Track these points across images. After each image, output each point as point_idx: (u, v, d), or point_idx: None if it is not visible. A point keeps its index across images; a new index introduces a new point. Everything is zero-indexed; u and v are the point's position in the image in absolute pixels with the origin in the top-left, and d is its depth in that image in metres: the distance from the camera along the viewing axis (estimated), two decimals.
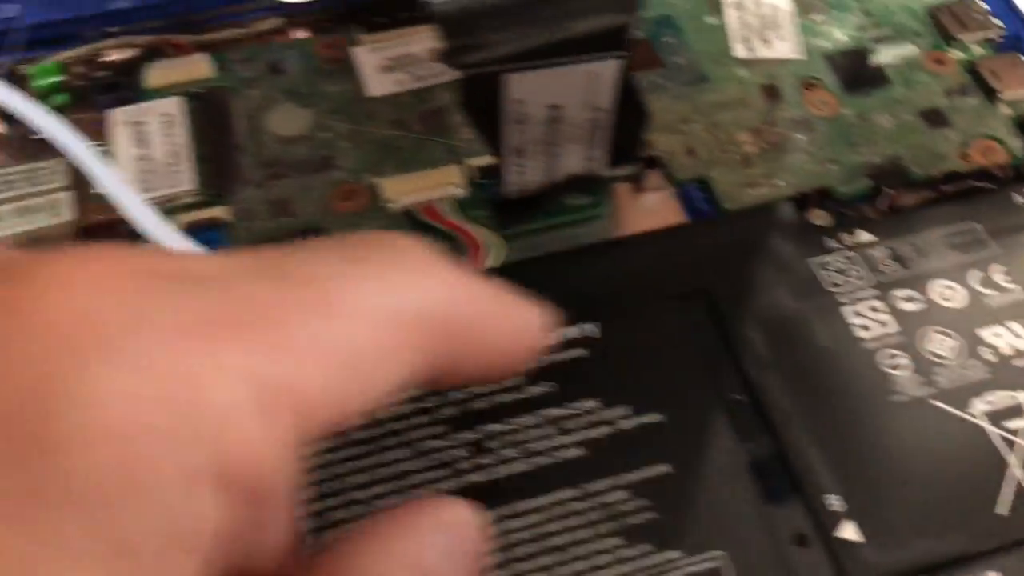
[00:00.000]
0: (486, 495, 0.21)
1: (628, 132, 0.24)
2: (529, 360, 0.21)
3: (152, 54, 0.29)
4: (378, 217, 0.26)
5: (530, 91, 0.22)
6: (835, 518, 0.21)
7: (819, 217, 0.26)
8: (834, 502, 0.22)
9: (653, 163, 0.27)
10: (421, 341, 0.16)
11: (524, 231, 0.26)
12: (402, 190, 0.26)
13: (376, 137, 0.28)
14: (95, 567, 0.12)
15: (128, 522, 0.12)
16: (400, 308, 0.15)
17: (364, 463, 0.22)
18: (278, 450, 0.14)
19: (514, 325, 0.19)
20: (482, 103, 0.22)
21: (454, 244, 0.26)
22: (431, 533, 0.16)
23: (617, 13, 0.20)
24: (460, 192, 0.26)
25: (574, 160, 0.25)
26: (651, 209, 0.27)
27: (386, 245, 0.17)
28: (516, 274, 0.24)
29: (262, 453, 0.14)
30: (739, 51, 0.30)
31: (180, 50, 0.29)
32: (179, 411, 0.13)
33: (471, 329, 0.18)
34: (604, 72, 0.22)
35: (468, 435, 0.22)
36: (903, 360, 0.24)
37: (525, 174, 0.24)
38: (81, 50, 0.29)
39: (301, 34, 0.31)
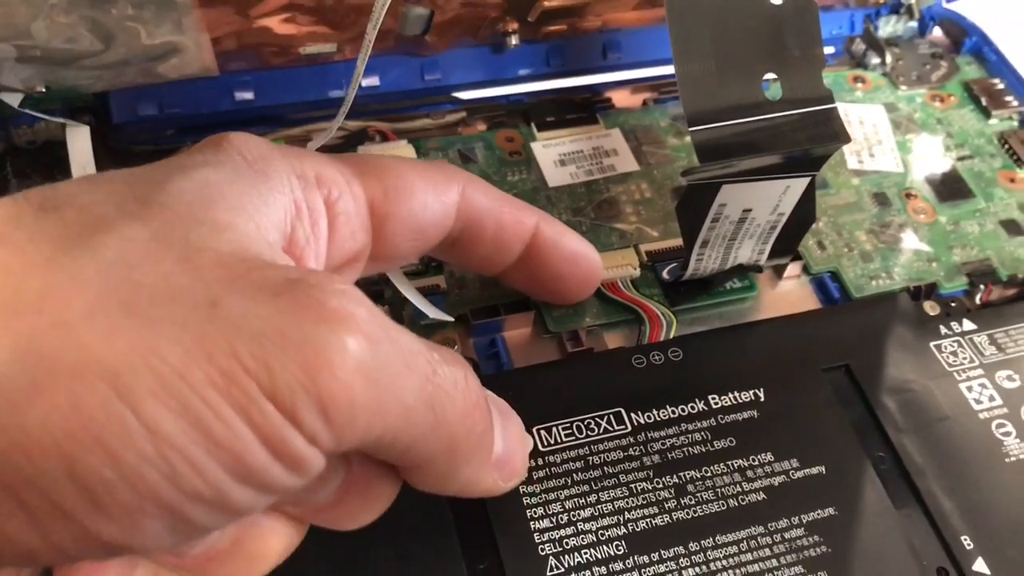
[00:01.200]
0: (691, 530, 0.26)
1: (794, 232, 0.29)
2: (589, 283, 0.29)
3: (358, 136, 0.34)
4: None
5: (735, 197, 0.27)
6: (969, 556, 0.26)
7: (931, 308, 0.31)
8: (967, 542, 0.27)
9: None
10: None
11: (687, 308, 0.31)
12: None
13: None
14: None
15: None
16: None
17: (589, 500, 0.26)
18: None
19: (584, 246, 0.28)
20: (694, 204, 0.27)
21: (636, 317, 0.30)
22: None
23: (834, 143, 0.25)
24: (636, 273, 0.31)
25: (745, 252, 0.30)
26: (788, 294, 0.32)
27: None
28: (693, 345, 0.30)
29: None
30: (852, 162, 0.35)
31: (383, 136, 0.34)
32: None
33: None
34: (798, 186, 0.27)
35: (671, 479, 0.27)
36: (1010, 428, 0.29)
37: (702, 262, 0.29)
38: (294, 131, 0.33)
39: (480, 127, 0.36)
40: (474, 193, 0.25)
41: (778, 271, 0.33)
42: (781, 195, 0.27)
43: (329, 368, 0.16)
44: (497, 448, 0.23)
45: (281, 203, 0.20)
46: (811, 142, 0.25)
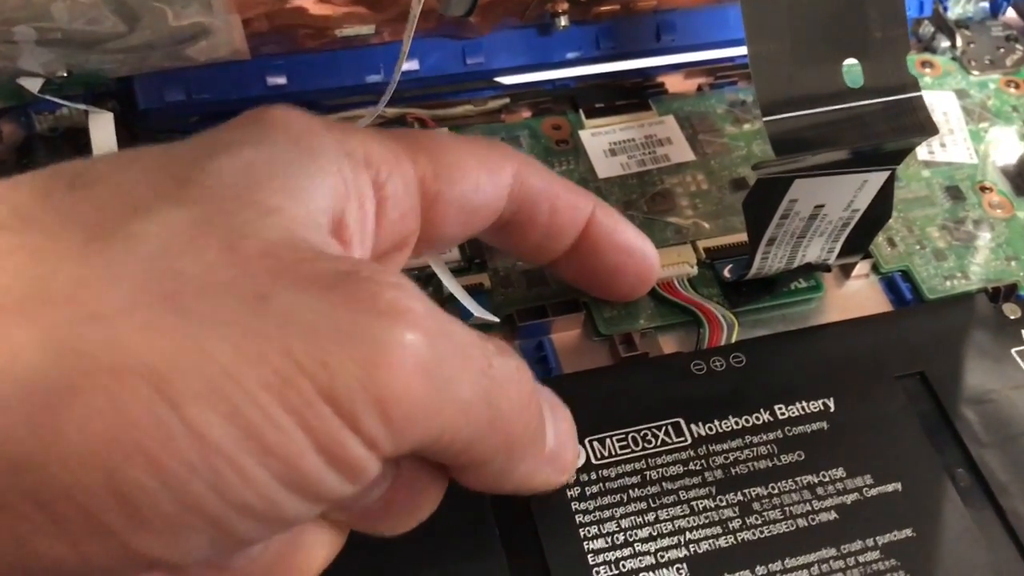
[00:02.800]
0: (758, 552, 0.24)
1: (868, 229, 0.27)
2: (645, 279, 0.27)
3: (396, 124, 0.32)
4: None
5: (807, 192, 0.25)
6: None
7: (1012, 311, 0.29)
8: None
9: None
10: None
11: (749, 310, 0.29)
12: None
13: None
14: None
15: None
16: None
17: (647, 518, 0.24)
18: None
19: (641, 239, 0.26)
20: (762, 200, 0.25)
21: (694, 319, 0.28)
22: None
23: (919, 136, 0.23)
24: (693, 271, 0.29)
25: (814, 251, 0.28)
26: (856, 294, 0.30)
27: None
28: (757, 350, 0.28)
29: None
30: (922, 153, 0.33)
31: (421, 123, 0.32)
32: None
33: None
34: (876, 180, 0.25)
35: (735, 497, 0.25)
36: None
37: (768, 260, 0.27)
38: (330, 117, 0.31)
39: (524, 114, 0.34)
40: (528, 175, 0.24)
41: (845, 270, 0.30)
42: (857, 190, 0.25)
43: (388, 366, 0.15)
44: (549, 441, 0.22)
45: (328, 184, 0.18)
46: (895, 134, 0.23)
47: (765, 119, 0.23)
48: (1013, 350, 0.28)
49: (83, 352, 0.14)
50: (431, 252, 0.25)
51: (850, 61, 0.24)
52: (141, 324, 0.14)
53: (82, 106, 0.29)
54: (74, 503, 0.14)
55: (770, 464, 0.26)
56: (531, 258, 0.27)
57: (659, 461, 0.25)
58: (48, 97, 0.28)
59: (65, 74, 0.27)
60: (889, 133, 0.23)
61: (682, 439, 0.26)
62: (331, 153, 0.19)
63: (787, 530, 0.25)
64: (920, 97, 0.24)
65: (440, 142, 0.22)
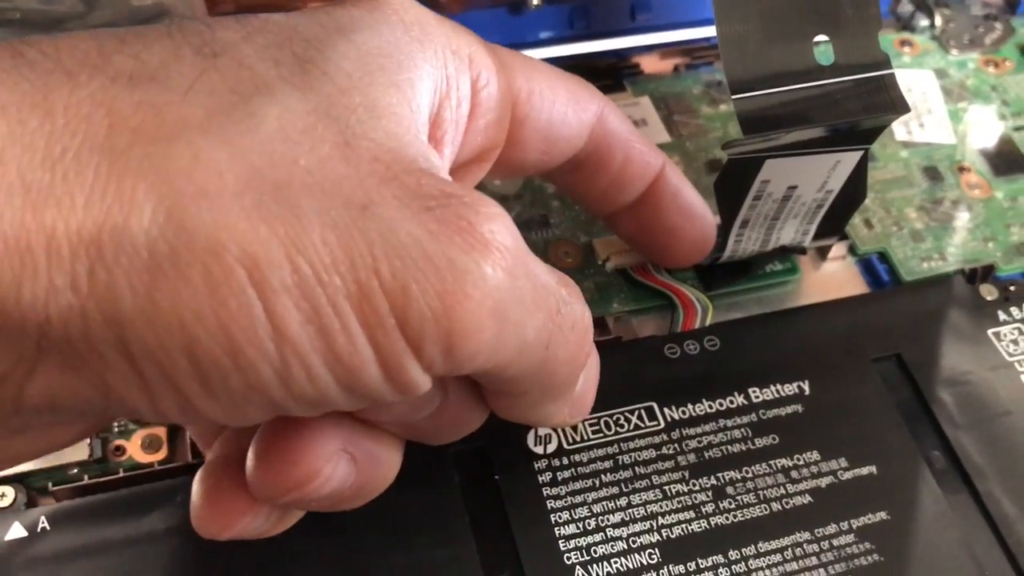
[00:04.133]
0: (731, 536, 0.24)
1: (843, 210, 0.27)
2: (700, 245, 0.26)
3: None
4: (594, 274, 0.29)
5: (779, 173, 0.24)
6: None
7: (988, 292, 0.29)
8: None
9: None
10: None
11: (724, 293, 0.29)
12: (613, 249, 0.29)
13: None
14: None
15: None
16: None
17: (619, 503, 0.24)
18: None
19: (703, 204, 0.26)
20: (734, 181, 0.25)
21: (668, 303, 0.28)
22: None
23: (891, 114, 0.23)
24: None
25: (788, 233, 0.27)
26: (833, 276, 0.30)
27: None
28: (731, 333, 0.27)
29: None
30: (900, 133, 0.33)
31: None
32: None
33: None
34: (849, 160, 0.24)
35: (708, 481, 0.25)
36: None
37: (742, 243, 0.27)
38: None
39: None
40: (611, 117, 0.24)
41: (822, 252, 0.30)
42: (830, 171, 0.25)
43: (466, 303, 0.16)
44: (577, 386, 0.22)
45: (433, 77, 0.19)
46: (866, 112, 0.23)
47: (734, 97, 0.22)
48: (990, 331, 0.28)
49: (190, 227, 0.14)
50: (507, 176, 0.25)
51: (821, 38, 0.23)
52: (248, 209, 0.15)
53: None
54: (156, 363, 0.15)
55: (744, 448, 0.25)
56: (595, 206, 0.26)
57: (632, 445, 0.25)
58: None
59: None
60: (860, 111, 0.23)
61: (655, 423, 0.25)
62: (439, 46, 0.19)
63: (761, 514, 0.24)
64: (892, 75, 0.24)
65: (537, 67, 0.23)
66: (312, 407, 0.17)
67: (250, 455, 0.19)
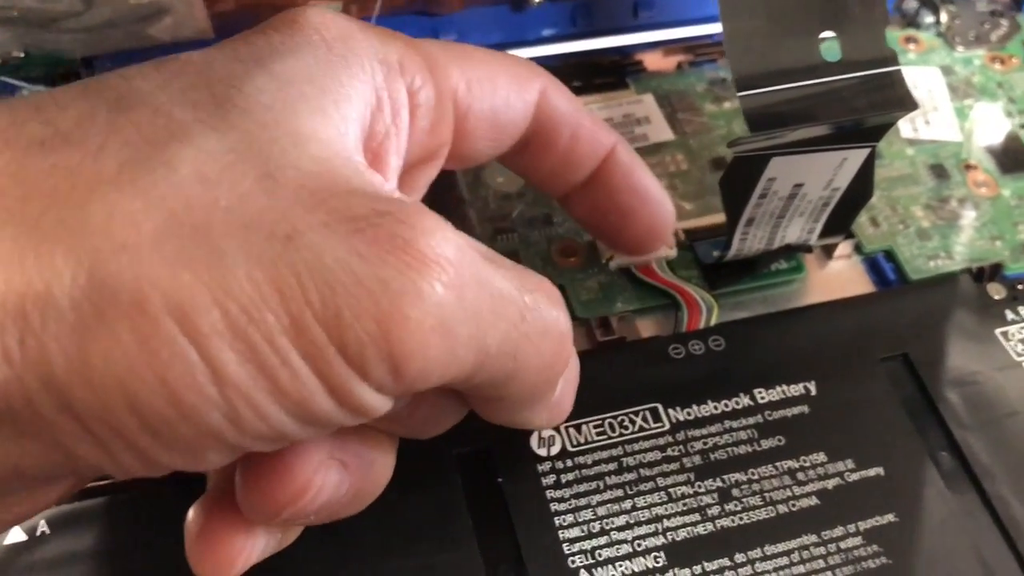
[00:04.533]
0: (737, 539, 0.24)
1: (849, 208, 0.26)
2: (656, 230, 0.26)
3: None
4: (598, 273, 0.28)
5: (785, 171, 0.24)
6: None
7: (996, 291, 0.28)
8: None
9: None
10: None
11: (729, 292, 0.29)
12: None
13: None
14: None
15: None
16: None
17: (623, 506, 0.24)
18: None
19: (658, 187, 0.25)
20: (740, 178, 0.24)
21: (672, 302, 0.28)
22: None
23: (898, 111, 0.23)
24: (672, 253, 0.28)
25: (794, 231, 0.27)
26: (838, 275, 0.30)
27: None
28: (737, 333, 0.27)
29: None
30: (906, 130, 0.32)
31: None
32: None
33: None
34: (856, 158, 0.24)
35: (714, 483, 0.24)
36: None
37: (747, 241, 0.27)
38: None
39: None
40: (555, 95, 0.24)
41: (827, 250, 0.30)
42: (836, 168, 0.24)
43: (404, 323, 0.15)
44: (556, 392, 0.22)
45: (362, 92, 0.18)
46: (873, 109, 0.23)
47: (740, 94, 0.22)
48: (997, 331, 0.28)
49: (112, 284, 0.14)
50: (460, 167, 0.25)
51: (827, 34, 0.23)
52: (169, 257, 0.15)
53: (42, 88, 0.28)
54: (103, 422, 0.15)
55: (750, 449, 0.25)
56: (545, 186, 0.26)
57: (636, 447, 0.25)
58: (5, 79, 0.27)
59: (22, 54, 0.26)
60: (867, 108, 0.22)
61: (660, 424, 0.25)
62: (365, 60, 0.19)
63: (767, 516, 0.24)
64: (899, 71, 0.23)
65: (471, 55, 0.22)
66: (271, 443, 0.16)
67: (238, 480, 0.19)
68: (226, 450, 0.16)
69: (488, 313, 0.17)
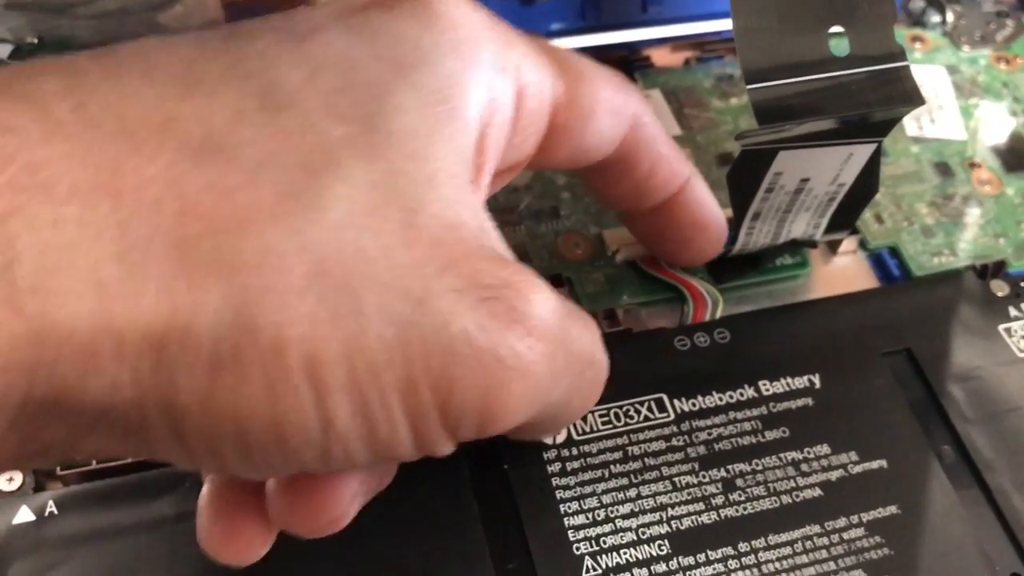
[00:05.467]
0: (741, 528, 0.24)
1: (855, 204, 0.26)
2: (707, 255, 0.26)
3: None
4: (604, 266, 0.29)
5: (792, 165, 0.24)
6: None
7: (999, 288, 0.29)
8: None
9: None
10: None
11: (734, 286, 0.29)
12: (623, 241, 0.29)
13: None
14: None
15: None
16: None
17: (628, 495, 0.24)
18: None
19: (721, 219, 0.25)
20: (747, 173, 0.24)
21: (678, 295, 0.28)
22: None
23: (906, 106, 0.23)
24: None
25: (800, 226, 0.27)
26: (843, 270, 0.30)
27: None
28: (742, 325, 0.27)
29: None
30: (911, 129, 0.33)
31: None
32: None
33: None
34: (862, 153, 0.24)
35: (718, 473, 0.25)
36: None
37: (753, 236, 0.27)
38: None
39: None
40: (644, 124, 0.23)
41: (832, 246, 0.30)
42: (843, 163, 0.25)
43: (507, 397, 0.17)
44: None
45: (480, 107, 0.18)
46: (881, 103, 0.23)
47: (749, 87, 0.22)
48: (1000, 327, 0.28)
49: (254, 327, 0.15)
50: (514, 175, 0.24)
51: (836, 29, 0.23)
52: (313, 307, 0.15)
53: None
54: (203, 442, 0.15)
55: (754, 440, 0.25)
56: (609, 203, 0.26)
57: (641, 437, 0.25)
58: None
59: (35, 40, 0.26)
60: (875, 102, 0.23)
61: (665, 415, 0.25)
62: (486, 68, 0.18)
63: (771, 507, 0.24)
64: (907, 67, 0.23)
65: (581, 71, 0.21)
66: (337, 470, 0.18)
67: (275, 497, 0.19)
68: (296, 471, 0.17)
69: (562, 372, 0.18)
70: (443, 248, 0.16)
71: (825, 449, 0.25)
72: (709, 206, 0.25)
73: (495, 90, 0.18)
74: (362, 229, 0.15)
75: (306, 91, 0.16)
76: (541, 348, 0.17)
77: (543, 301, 0.17)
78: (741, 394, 0.26)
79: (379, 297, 0.15)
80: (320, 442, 0.16)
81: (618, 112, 0.22)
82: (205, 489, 0.19)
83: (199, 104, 0.15)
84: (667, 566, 0.23)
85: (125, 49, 0.16)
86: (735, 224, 0.26)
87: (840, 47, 0.23)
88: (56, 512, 0.23)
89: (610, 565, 0.23)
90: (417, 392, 0.16)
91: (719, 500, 0.24)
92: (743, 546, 0.23)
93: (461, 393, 0.16)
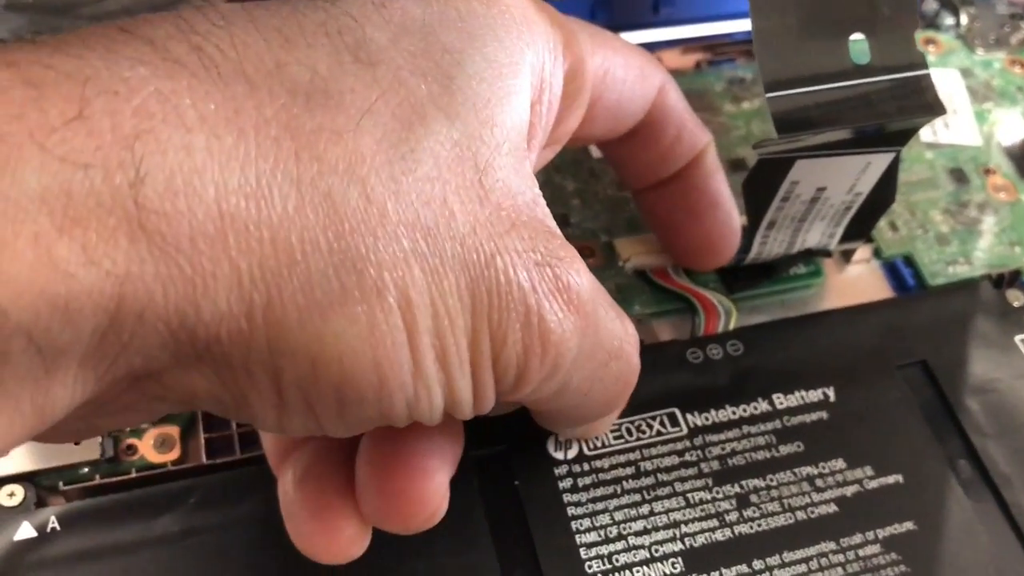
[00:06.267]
0: (755, 545, 0.23)
1: (871, 213, 0.26)
2: (721, 242, 0.26)
3: None
4: (615, 276, 0.28)
5: (809, 174, 0.24)
6: None
7: (1016, 297, 0.28)
8: None
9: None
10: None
11: (746, 295, 0.28)
12: (634, 250, 0.28)
13: (603, 197, 0.30)
14: None
15: None
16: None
17: (641, 511, 0.24)
18: None
19: (730, 200, 0.26)
20: (763, 180, 0.24)
21: (688, 306, 0.27)
22: None
23: (926, 115, 0.22)
24: None
25: (815, 235, 0.27)
26: (857, 279, 0.29)
27: None
28: (755, 337, 0.27)
29: None
30: (925, 134, 0.32)
31: None
32: None
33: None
34: (880, 162, 0.24)
35: (732, 489, 0.24)
36: None
37: (767, 245, 0.26)
38: None
39: None
40: (671, 92, 0.24)
41: (846, 255, 0.30)
42: (860, 172, 0.24)
43: (544, 358, 0.17)
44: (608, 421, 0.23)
45: (534, 84, 0.19)
46: (901, 113, 0.22)
47: (768, 96, 0.22)
48: (1017, 338, 0.28)
49: (359, 268, 0.15)
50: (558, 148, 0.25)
51: (856, 37, 0.23)
52: (407, 252, 0.16)
53: None
54: (302, 391, 0.16)
55: (768, 455, 0.25)
56: (631, 177, 0.26)
57: (654, 452, 0.25)
58: None
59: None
60: (895, 112, 0.22)
61: (678, 429, 0.25)
62: (539, 46, 0.19)
63: (785, 523, 0.24)
64: (928, 76, 0.23)
65: (611, 43, 0.23)
66: (409, 423, 0.18)
67: (366, 487, 0.20)
68: (381, 425, 0.17)
69: (589, 356, 0.19)
70: (507, 211, 0.17)
71: (840, 464, 0.25)
72: (720, 178, 0.26)
73: (545, 69, 0.19)
74: (445, 183, 0.16)
75: (392, 50, 0.17)
76: (574, 320, 0.18)
77: (584, 278, 0.18)
78: (755, 408, 0.26)
79: (459, 248, 0.16)
80: (412, 387, 0.16)
81: (647, 79, 0.23)
82: (287, 487, 0.20)
83: (302, 53, 0.16)
84: None
85: (224, 5, 0.16)
86: (749, 233, 0.26)
87: (861, 54, 0.23)
88: (58, 528, 0.22)
89: None
90: (480, 342, 0.17)
91: (733, 516, 0.24)
92: (757, 563, 0.23)
93: (509, 348, 0.17)
